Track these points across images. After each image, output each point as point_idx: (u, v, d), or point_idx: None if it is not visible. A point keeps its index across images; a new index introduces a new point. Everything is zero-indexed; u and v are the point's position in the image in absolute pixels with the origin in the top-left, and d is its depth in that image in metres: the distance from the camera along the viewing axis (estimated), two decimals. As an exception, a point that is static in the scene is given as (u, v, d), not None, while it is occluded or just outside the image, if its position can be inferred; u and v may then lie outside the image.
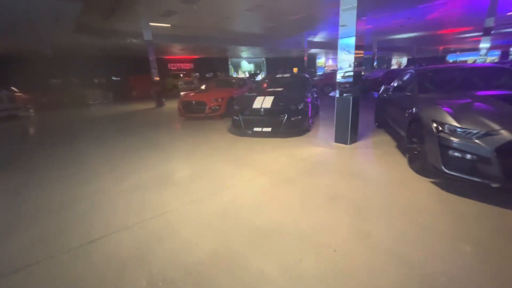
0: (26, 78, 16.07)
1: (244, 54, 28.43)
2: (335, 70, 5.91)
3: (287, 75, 7.00)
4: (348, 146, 4.43)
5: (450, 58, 43.05)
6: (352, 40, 4.07)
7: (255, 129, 5.25)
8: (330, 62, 41.37)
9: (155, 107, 12.21)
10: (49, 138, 6.70)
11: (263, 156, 4.20)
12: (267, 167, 3.67)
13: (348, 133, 4.41)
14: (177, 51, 22.19)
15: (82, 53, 18.79)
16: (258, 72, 29.74)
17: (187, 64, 25.52)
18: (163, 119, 8.80)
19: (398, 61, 48.05)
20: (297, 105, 5.17)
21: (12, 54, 16.73)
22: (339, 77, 4.36)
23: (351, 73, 4.20)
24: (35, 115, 11.87)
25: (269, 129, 5.14)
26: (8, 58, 16.71)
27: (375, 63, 28.71)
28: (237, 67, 30.23)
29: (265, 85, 7.11)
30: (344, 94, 4.31)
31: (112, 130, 7.28)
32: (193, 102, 7.71)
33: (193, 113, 7.77)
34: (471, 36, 25.97)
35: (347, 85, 4.27)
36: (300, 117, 5.13)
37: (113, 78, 20.85)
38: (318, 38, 23.30)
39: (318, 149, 4.37)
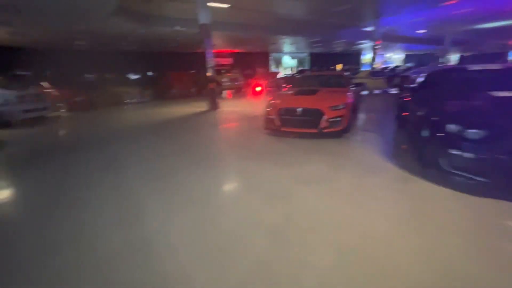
0: (57, 73, 14.22)
1: (287, 48, 25.36)
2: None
3: (494, 67, 3.83)
4: None
5: (512, 55, 36.96)
6: None
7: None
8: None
9: (209, 110, 9.57)
10: (77, 171, 4.14)
11: None
12: None
13: None
14: (217, 43, 19.64)
15: (118, 46, 16.76)
16: (303, 68, 26.51)
17: (227, 59, 22.90)
18: (241, 133, 6.06)
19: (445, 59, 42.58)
20: None
21: (42, 45, 14.94)
22: None
23: None
24: (66, 117, 9.67)
25: None
26: (37, 50, 14.95)
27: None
28: (278, 63, 27.24)
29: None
30: None
31: (171, 150, 4.60)
32: (299, 110, 4.83)
33: (297, 127, 4.90)
34: None
35: None
36: None
37: (150, 73, 18.64)
38: (383, 29, 19.65)
39: None
